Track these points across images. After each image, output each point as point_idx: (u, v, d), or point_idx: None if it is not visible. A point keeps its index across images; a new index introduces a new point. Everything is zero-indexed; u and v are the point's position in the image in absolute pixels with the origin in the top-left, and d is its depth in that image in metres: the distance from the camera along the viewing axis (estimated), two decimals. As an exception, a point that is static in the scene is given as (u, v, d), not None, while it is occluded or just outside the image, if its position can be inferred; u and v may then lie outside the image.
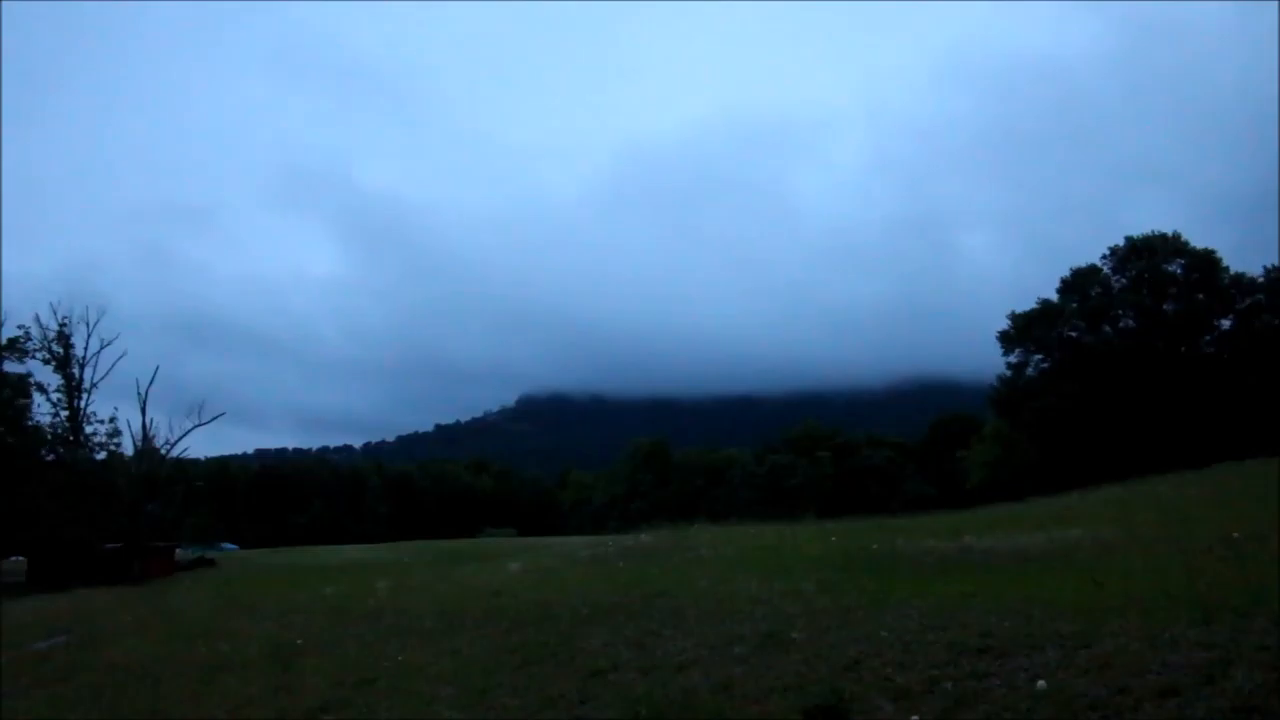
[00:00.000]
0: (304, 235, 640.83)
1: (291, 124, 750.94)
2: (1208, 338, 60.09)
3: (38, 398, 47.10)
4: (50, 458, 47.31)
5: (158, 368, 50.18)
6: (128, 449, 49.13)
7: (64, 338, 46.96)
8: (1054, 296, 63.25)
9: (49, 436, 47.62)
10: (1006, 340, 63.79)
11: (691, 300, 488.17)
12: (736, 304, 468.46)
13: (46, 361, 46.96)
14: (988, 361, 68.46)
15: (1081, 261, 63.92)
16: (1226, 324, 59.67)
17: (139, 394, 48.61)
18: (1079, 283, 62.57)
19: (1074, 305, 62.06)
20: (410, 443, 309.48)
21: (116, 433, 48.32)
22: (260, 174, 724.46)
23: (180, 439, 49.09)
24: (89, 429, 47.84)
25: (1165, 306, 60.06)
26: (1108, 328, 61.77)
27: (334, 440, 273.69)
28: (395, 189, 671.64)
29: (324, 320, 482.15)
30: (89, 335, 47.26)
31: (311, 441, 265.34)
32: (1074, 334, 62.53)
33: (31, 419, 47.17)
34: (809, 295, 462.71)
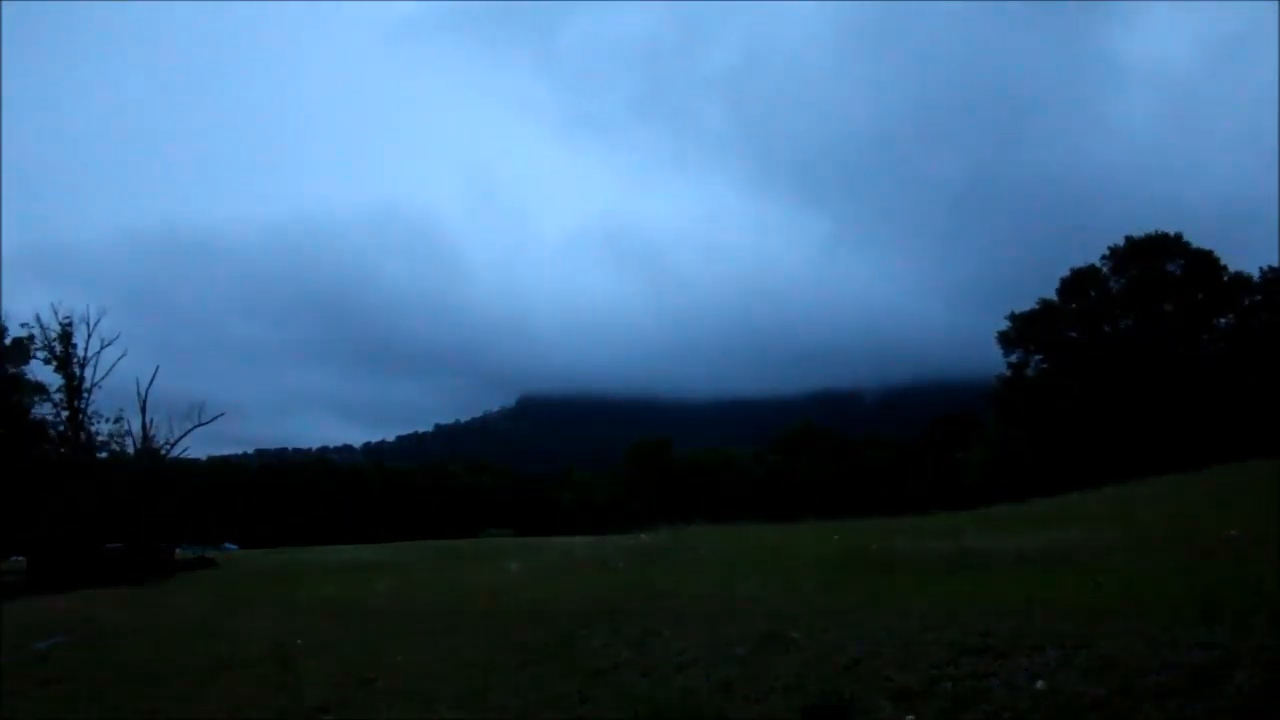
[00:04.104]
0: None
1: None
2: (1207, 338, 60.08)
3: (38, 398, 47.19)
4: (51, 458, 47.31)
5: (158, 367, 50.13)
6: (128, 449, 49.17)
7: (65, 337, 46.99)
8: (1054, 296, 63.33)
9: (51, 436, 47.63)
10: (1006, 340, 63.84)
11: (691, 301, 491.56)
12: (738, 304, 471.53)
13: (47, 361, 47.02)
14: (988, 361, 68.63)
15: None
16: (1226, 324, 59.68)
17: (139, 394, 48.64)
18: (1078, 283, 62.60)
19: (1073, 306, 62.12)
20: (410, 443, 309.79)
21: (124, 433, 48.35)
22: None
23: (180, 439, 49.13)
24: (91, 428, 47.91)
25: (1165, 306, 60.08)
26: (1107, 328, 61.80)
27: (334, 440, 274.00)
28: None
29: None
30: (89, 335, 47.33)
31: (311, 441, 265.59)
32: (1074, 334, 62.57)
33: (37, 418, 47.25)
34: (807, 297, 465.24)
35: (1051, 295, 63.07)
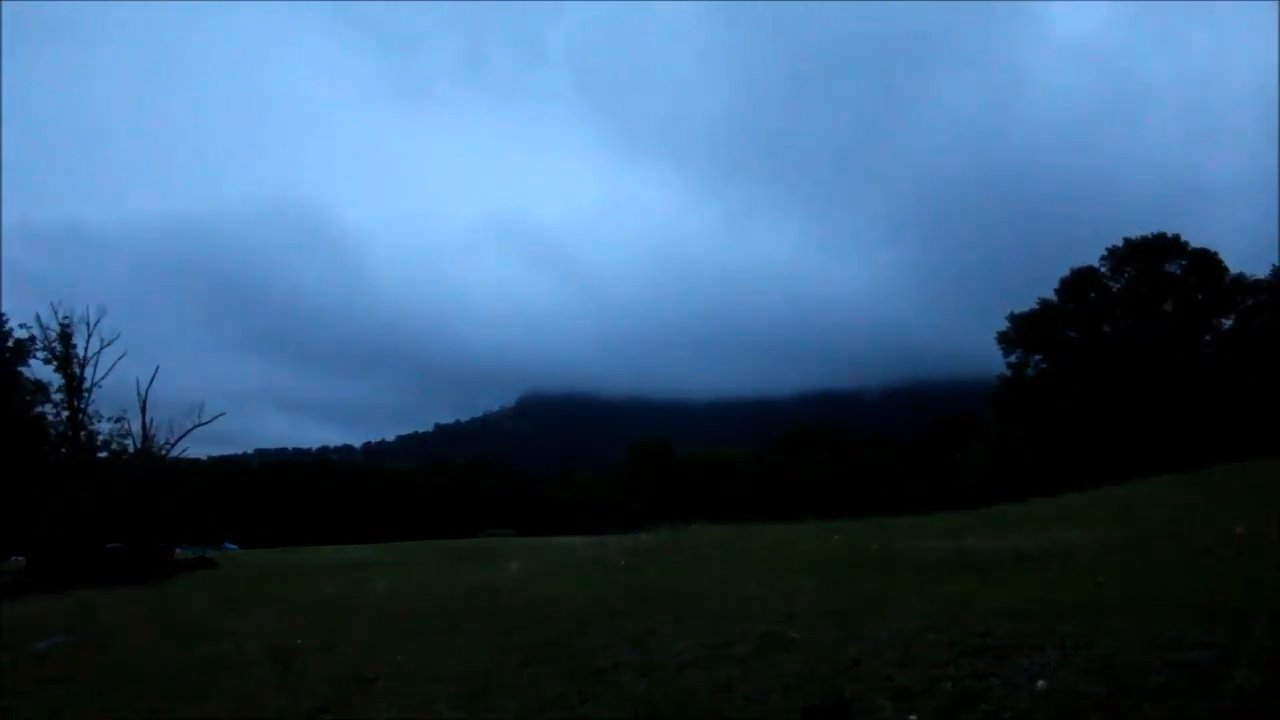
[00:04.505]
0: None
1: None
2: (1207, 338, 60.08)
3: (29, 392, 47.19)
4: (51, 458, 47.29)
5: (158, 368, 50.22)
6: (128, 449, 49.16)
7: (65, 337, 47.00)
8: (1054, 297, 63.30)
9: (50, 436, 47.62)
10: (1006, 341, 63.86)
11: (691, 301, 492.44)
12: (737, 304, 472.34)
13: (47, 361, 47.03)
14: (988, 361, 68.66)
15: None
16: (1227, 324, 59.67)
17: (139, 394, 48.65)
18: (1078, 283, 62.62)
19: (1072, 306, 62.14)
20: (410, 443, 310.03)
21: (125, 434, 48.36)
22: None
23: (180, 439, 49.17)
24: (91, 428, 47.90)
25: (1165, 307, 60.09)
26: (1107, 328, 61.81)
27: (334, 440, 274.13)
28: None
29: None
30: (89, 335, 47.34)
31: (311, 441, 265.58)
32: (1073, 334, 62.58)
33: (44, 417, 47.26)
34: (806, 297, 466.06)
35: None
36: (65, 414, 47.30)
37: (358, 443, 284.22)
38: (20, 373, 46.99)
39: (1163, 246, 60.38)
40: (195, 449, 62.50)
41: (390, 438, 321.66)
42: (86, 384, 47.31)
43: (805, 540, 20.83)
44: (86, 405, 47.47)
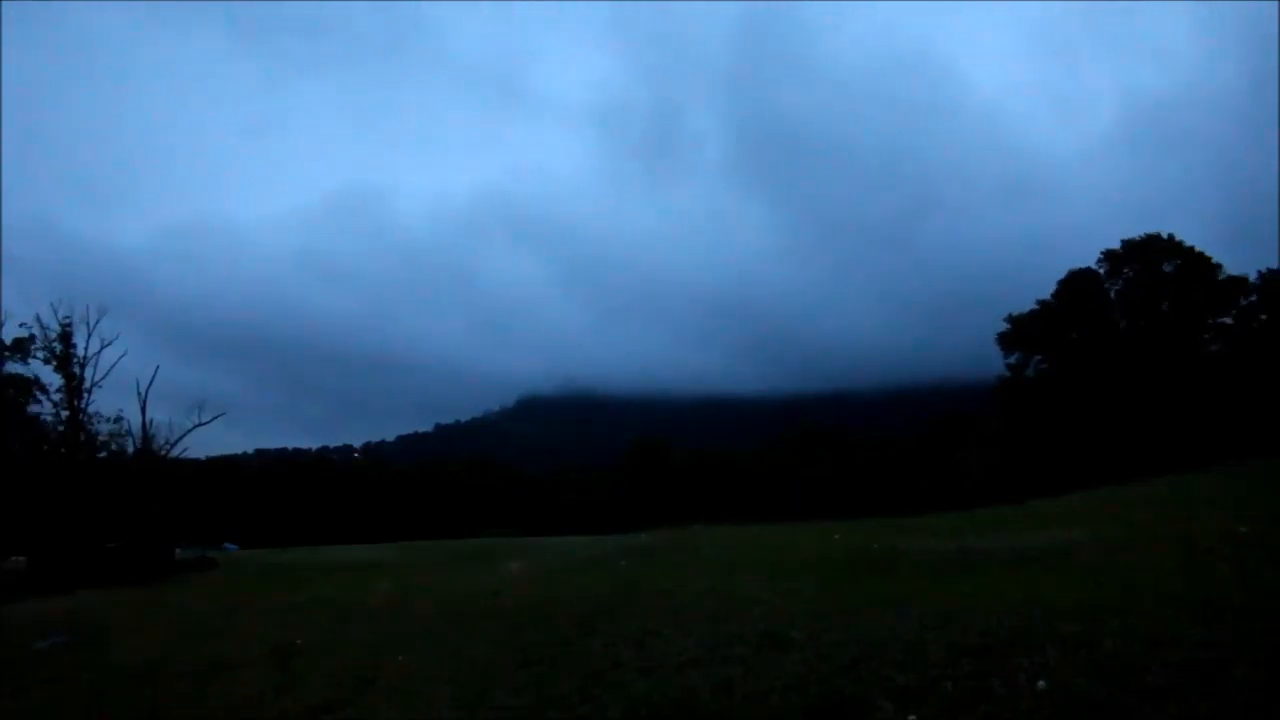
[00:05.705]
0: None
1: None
2: (1208, 336, 60.11)
3: (38, 397, 47.20)
4: (51, 458, 47.30)
5: (158, 367, 50.21)
6: (128, 449, 49.19)
7: (65, 337, 46.98)
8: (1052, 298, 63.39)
9: (50, 436, 47.62)
10: (1005, 342, 63.92)
11: (690, 301, 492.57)
12: (737, 304, 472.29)
13: (47, 361, 46.99)
14: (988, 361, 68.69)
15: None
16: (1225, 323, 59.73)
17: (139, 394, 48.66)
18: (1076, 284, 62.71)
19: (1071, 307, 62.18)
20: (410, 443, 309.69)
21: (123, 433, 48.35)
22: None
23: (180, 439, 49.18)
24: (91, 428, 47.89)
25: (1163, 307, 60.15)
26: (1106, 328, 61.86)
27: (334, 440, 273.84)
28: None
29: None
30: (89, 335, 47.30)
31: (311, 441, 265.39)
32: (1073, 335, 62.61)
33: (38, 418, 47.24)
34: (808, 295, 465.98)
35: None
36: (65, 414, 47.29)
37: (357, 443, 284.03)
38: (19, 373, 46.95)
39: (1158, 247, 60.47)
40: (195, 449, 62.63)
41: (390, 438, 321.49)
42: (86, 384, 47.32)
43: (805, 540, 20.85)
44: (86, 405, 47.49)
